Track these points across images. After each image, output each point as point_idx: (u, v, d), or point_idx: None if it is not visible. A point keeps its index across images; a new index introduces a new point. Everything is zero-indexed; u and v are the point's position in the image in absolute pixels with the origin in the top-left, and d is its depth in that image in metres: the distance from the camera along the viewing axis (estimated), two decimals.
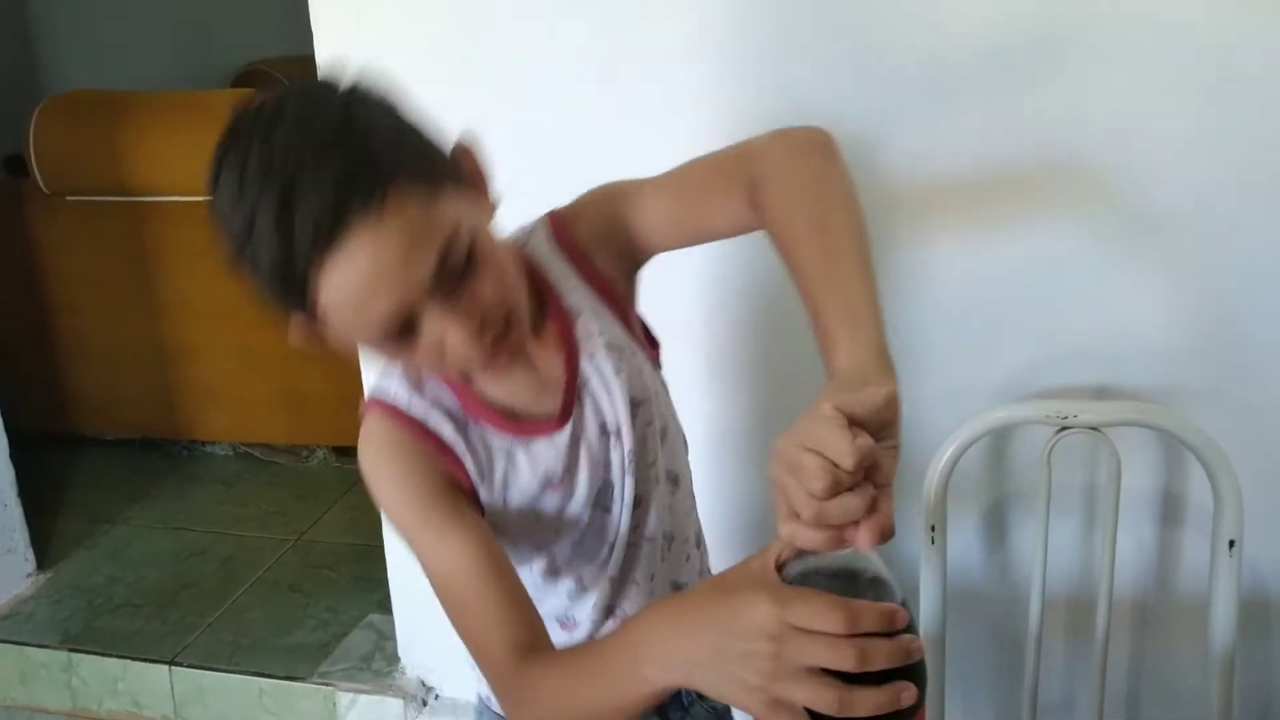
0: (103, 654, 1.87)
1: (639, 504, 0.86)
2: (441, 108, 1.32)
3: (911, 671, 0.56)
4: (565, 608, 0.89)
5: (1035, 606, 1.14)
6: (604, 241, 0.84)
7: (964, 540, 1.33)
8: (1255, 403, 1.20)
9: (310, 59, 1.33)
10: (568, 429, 0.82)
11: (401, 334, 0.69)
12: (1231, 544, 1.06)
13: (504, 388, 0.82)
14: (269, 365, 2.46)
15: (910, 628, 0.56)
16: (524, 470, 0.82)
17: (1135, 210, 1.17)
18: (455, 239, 0.68)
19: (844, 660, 0.54)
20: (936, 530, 1.12)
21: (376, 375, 0.82)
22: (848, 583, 0.57)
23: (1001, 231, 1.22)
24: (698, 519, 0.96)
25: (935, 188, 1.22)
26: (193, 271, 2.44)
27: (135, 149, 2.33)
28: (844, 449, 0.53)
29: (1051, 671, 1.30)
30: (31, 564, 2.13)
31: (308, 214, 0.63)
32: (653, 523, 0.88)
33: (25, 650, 1.91)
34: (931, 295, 1.25)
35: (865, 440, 0.54)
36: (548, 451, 0.82)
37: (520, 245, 0.83)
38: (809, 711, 0.55)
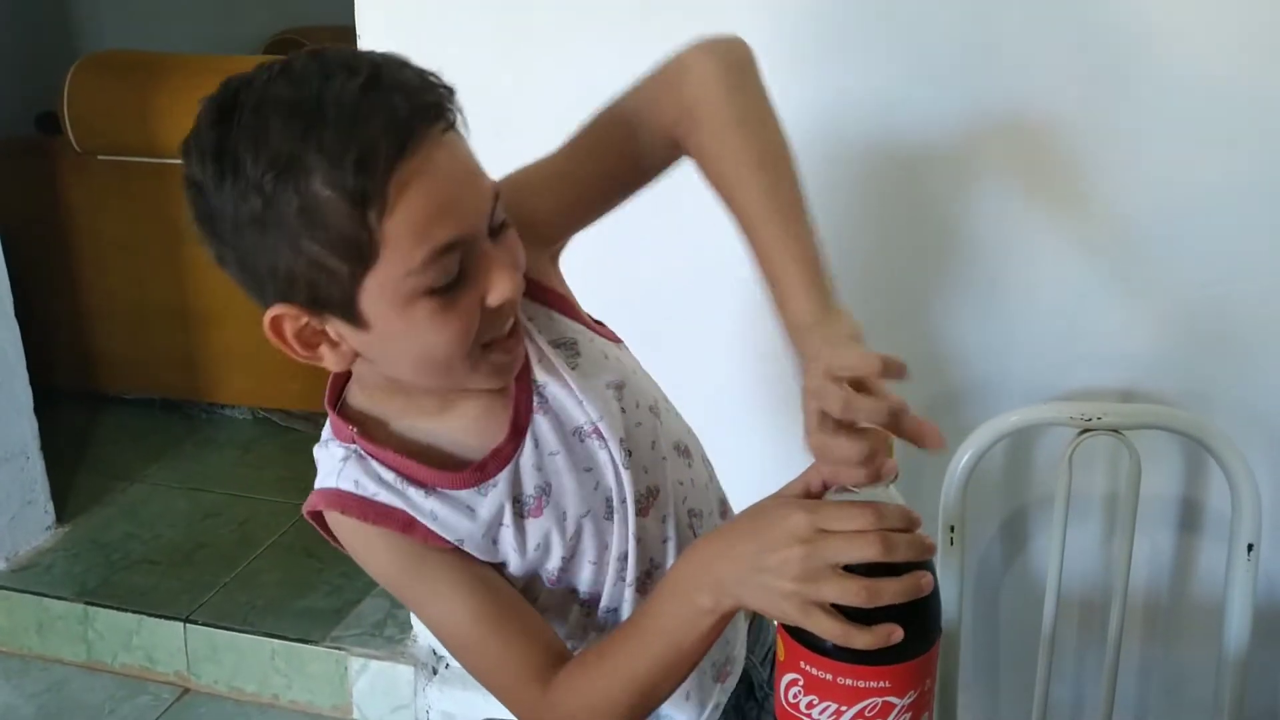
0: (119, 608, 1.90)
1: (653, 494, 0.80)
2: (481, 76, 1.31)
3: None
4: (591, 624, 0.84)
5: (1050, 607, 1.14)
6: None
7: (983, 541, 1.33)
8: (1277, 408, 1.19)
9: (346, 29, 1.33)
10: (524, 449, 0.75)
11: (449, 288, 0.65)
12: (1250, 548, 1.06)
13: (450, 426, 0.76)
14: None
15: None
16: (489, 515, 0.76)
17: (1161, 213, 1.16)
18: (497, 190, 0.68)
19: (870, 549, 0.59)
20: (956, 531, 1.12)
21: (317, 478, 0.81)
22: None
23: (1025, 231, 1.21)
24: (719, 488, 0.91)
25: (958, 190, 1.22)
26: None
27: (168, 111, 2.34)
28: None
29: (1063, 671, 1.31)
30: (51, 517, 2.15)
31: (379, 129, 0.60)
32: (672, 504, 0.82)
33: (43, 601, 1.94)
34: (955, 295, 1.25)
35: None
36: (510, 485, 0.76)
37: None
38: (842, 612, 0.59)
